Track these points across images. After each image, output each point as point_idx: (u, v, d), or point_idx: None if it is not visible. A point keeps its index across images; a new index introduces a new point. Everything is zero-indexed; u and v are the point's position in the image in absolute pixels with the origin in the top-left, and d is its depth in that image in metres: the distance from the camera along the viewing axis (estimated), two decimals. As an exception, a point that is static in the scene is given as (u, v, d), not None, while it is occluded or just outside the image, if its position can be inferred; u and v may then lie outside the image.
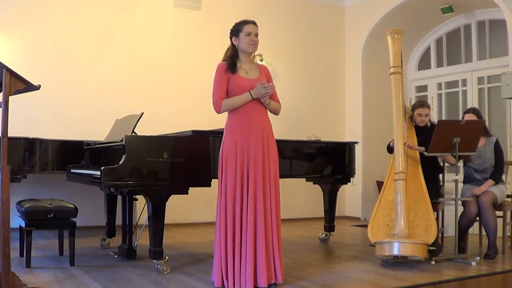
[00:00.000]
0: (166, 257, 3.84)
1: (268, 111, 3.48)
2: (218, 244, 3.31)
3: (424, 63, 7.69)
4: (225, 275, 3.26)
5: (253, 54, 3.50)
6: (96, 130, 5.64)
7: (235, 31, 3.42)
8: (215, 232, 3.36)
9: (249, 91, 3.32)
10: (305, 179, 5.40)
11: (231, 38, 3.45)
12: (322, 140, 5.40)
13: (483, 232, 4.77)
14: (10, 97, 2.94)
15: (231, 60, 3.40)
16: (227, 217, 3.28)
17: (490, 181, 4.56)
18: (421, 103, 4.76)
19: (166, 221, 3.80)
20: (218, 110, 3.39)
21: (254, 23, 3.43)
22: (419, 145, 4.50)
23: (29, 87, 3.05)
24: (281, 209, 3.41)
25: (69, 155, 5.03)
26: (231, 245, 3.25)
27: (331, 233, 5.41)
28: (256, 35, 3.40)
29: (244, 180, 3.28)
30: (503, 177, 4.79)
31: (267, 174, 3.31)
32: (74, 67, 6.17)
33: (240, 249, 3.25)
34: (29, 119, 5.72)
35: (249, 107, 3.35)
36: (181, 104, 6.60)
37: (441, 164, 4.80)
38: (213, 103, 3.38)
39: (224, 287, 3.27)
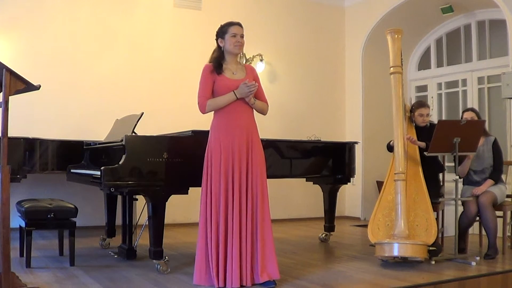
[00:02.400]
0: (166, 257, 3.84)
1: (256, 111, 3.51)
2: (200, 244, 3.34)
3: (424, 63, 7.68)
4: (206, 273, 3.32)
5: (239, 55, 3.55)
6: (96, 130, 5.64)
7: (221, 32, 3.46)
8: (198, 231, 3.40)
9: (233, 91, 3.36)
10: (305, 179, 5.40)
11: (217, 39, 3.49)
12: (322, 140, 5.40)
13: (483, 232, 4.77)
14: (10, 97, 2.94)
15: (217, 62, 3.44)
16: (212, 216, 3.31)
17: (490, 181, 4.57)
18: (422, 103, 4.76)
19: (166, 221, 3.80)
20: (203, 110, 3.43)
21: (239, 24, 3.47)
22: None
23: (29, 87, 3.05)
24: (276, 208, 3.44)
25: (69, 155, 5.02)
26: (214, 245, 3.28)
27: (331, 233, 5.41)
28: (242, 36, 3.45)
29: (228, 179, 3.32)
30: (503, 177, 4.79)
31: (251, 173, 3.35)
32: (74, 67, 6.17)
33: (224, 248, 3.28)
34: (29, 119, 5.72)
35: (234, 107, 3.39)
36: (181, 104, 6.59)
37: (442, 163, 4.80)
38: (198, 103, 3.43)
39: (202, 286, 3.31)
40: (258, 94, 3.51)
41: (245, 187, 3.32)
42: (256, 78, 3.53)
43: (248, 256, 3.29)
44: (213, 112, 3.46)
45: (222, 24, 3.49)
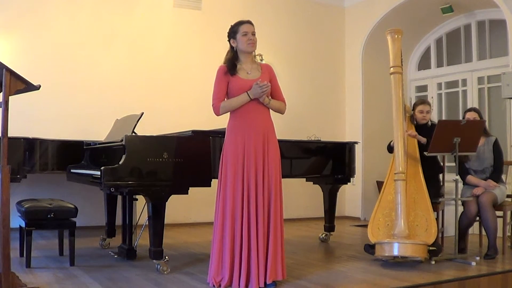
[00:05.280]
0: (166, 257, 3.84)
1: (273, 111, 3.48)
2: (216, 245, 3.32)
3: (424, 63, 7.68)
4: (220, 275, 3.27)
5: (253, 53, 3.50)
6: (96, 130, 5.64)
7: (232, 33, 3.44)
8: (212, 232, 3.38)
9: (246, 91, 3.33)
10: (305, 179, 5.40)
11: (229, 40, 3.46)
12: (322, 140, 5.40)
13: (483, 232, 4.77)
14: (10, 97, 2.94)
15: (231, 62, 3.41)
16: (227, 217, 3.29)
17: (490, 181, 4.56)
18: (422, 100, 4.85)
19: (166, 221, 3.80)
20: (217, 112, 3.41)
21: (249, 22, 3.44)
22: (419, 145, 4.50)
23: (29, 87, 3.05)
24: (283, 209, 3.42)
25: (69, 155, 5.03)
26: (230, 246, 3.26)
27: (331, 233, 5.41)
28: (253, 34, 3.41)
29: (245, 181, 3.30)
30: (503, 177, 4.79)
31: (267, 174, 3.33)
32: (74, 67, 6.17)
33: (240, 249, 3.26)
34: (29, 119, 5.72)
35: (249, 108, 3.36)
36: (181, 104, 6.60)
37: (441, 164, 4.80)
38: (212, 105, 3.41)
39: (219, 287, 3.28)
40: (275, 93, 3.47)
41: (261, 188, 3.30)
42: (272, 77, 3.49)
43: (263, 258, 3.26)
44: (229, 113, 3.43)
45: (232, 24, 3.46)
